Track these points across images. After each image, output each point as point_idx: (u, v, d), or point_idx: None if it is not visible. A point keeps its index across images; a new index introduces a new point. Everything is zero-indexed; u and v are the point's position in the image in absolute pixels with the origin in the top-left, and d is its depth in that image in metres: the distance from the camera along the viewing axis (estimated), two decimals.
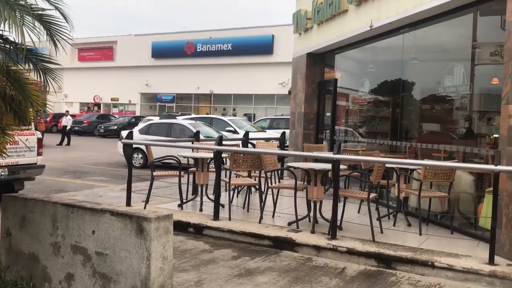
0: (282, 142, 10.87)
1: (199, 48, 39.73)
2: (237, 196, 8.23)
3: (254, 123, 21.73)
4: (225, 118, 17.42)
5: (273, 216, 6.71)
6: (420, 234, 5.98)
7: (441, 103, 8.44)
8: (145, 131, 14.92)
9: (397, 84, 9.23)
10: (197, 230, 6.30)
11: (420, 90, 9.04)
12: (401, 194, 6.62)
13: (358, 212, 7.17)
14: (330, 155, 6.25)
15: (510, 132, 5.06)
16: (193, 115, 24.57)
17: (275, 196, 6.87)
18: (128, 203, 7.15)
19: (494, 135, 6.22)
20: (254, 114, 35.36)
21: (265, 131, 16.95)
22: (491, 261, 4.87)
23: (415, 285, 4.66)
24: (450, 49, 7.89)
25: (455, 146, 6.99)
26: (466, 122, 7.58)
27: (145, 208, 6.91)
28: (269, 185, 7.11)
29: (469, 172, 6.56)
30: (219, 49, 38.80)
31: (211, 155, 7.18)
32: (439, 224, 6.57)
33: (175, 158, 7.66)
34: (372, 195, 6.02)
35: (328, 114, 10.61)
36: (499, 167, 4.84)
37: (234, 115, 32.70)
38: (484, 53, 6.86)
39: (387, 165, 6.51)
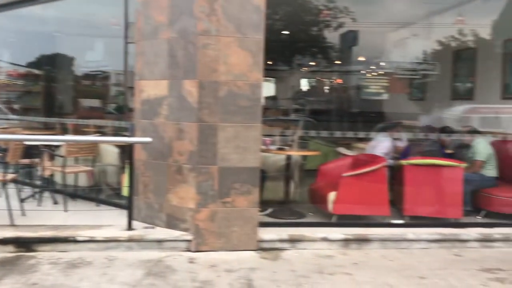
0: None
1: None
2: None
3: None
4: None
5: None
6: (66, 211, 5.90)
7: (97, 79, 8.51)
8: None
9: (50, 57, 8.79)
10: None
11: (75, 65, 8.89)
12: (46, 172, 6.37)
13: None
14: None
15: (142, 106, 5.45)
16: None
17: None
18: None
19: None
20: None
21: None
22: (130, 227, 5.20)
23: (55, 263, 4.55)
24: (102, 25, 7.91)
25: (107, 120, 7.16)
26: (119, 98, 7.89)
27: None
28: None
29: (116, 145, 6.84)
30: None
31: None
32: (87, 198, 6.62)
33: None
34: (11, 176, 5.56)
35: None
36: (133, 139, 5.20)
37: None
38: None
39: (32, 143, 6.14)
